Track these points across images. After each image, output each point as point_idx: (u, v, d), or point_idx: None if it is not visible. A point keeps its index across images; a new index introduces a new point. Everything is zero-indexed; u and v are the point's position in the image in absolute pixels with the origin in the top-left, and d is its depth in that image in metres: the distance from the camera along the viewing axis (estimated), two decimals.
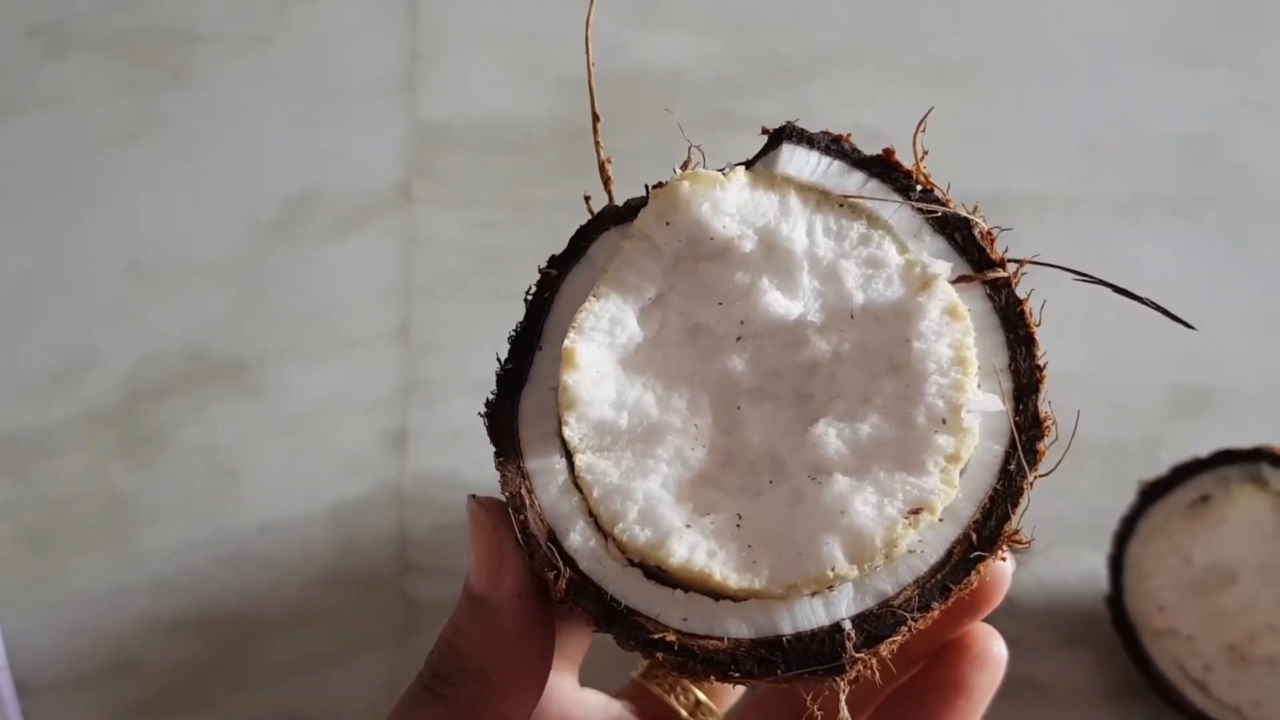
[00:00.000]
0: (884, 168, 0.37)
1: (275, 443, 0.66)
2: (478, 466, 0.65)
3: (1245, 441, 0.58)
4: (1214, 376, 0.66)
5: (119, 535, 0.64)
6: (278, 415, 0.66)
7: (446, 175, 0.69)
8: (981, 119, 0.69)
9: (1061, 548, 0.60)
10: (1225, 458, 0.58)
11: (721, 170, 0.37)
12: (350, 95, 0.70)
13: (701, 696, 0.49)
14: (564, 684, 0.47)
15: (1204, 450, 0.58)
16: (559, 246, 0.38)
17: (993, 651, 0.42)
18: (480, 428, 0.65)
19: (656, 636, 0.34)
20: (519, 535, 0.35)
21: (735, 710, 0.52)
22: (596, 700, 0.48)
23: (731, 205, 0.36)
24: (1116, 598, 0.59)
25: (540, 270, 0.38)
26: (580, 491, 0.36)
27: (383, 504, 0.65)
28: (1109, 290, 0.35)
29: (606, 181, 0.39)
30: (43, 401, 0.66)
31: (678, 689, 0.49)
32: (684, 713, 0.49)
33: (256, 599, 0.64)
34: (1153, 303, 0.35)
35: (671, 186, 0.36)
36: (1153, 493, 0.59)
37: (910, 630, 0.34)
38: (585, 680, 0.50)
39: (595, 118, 0.39)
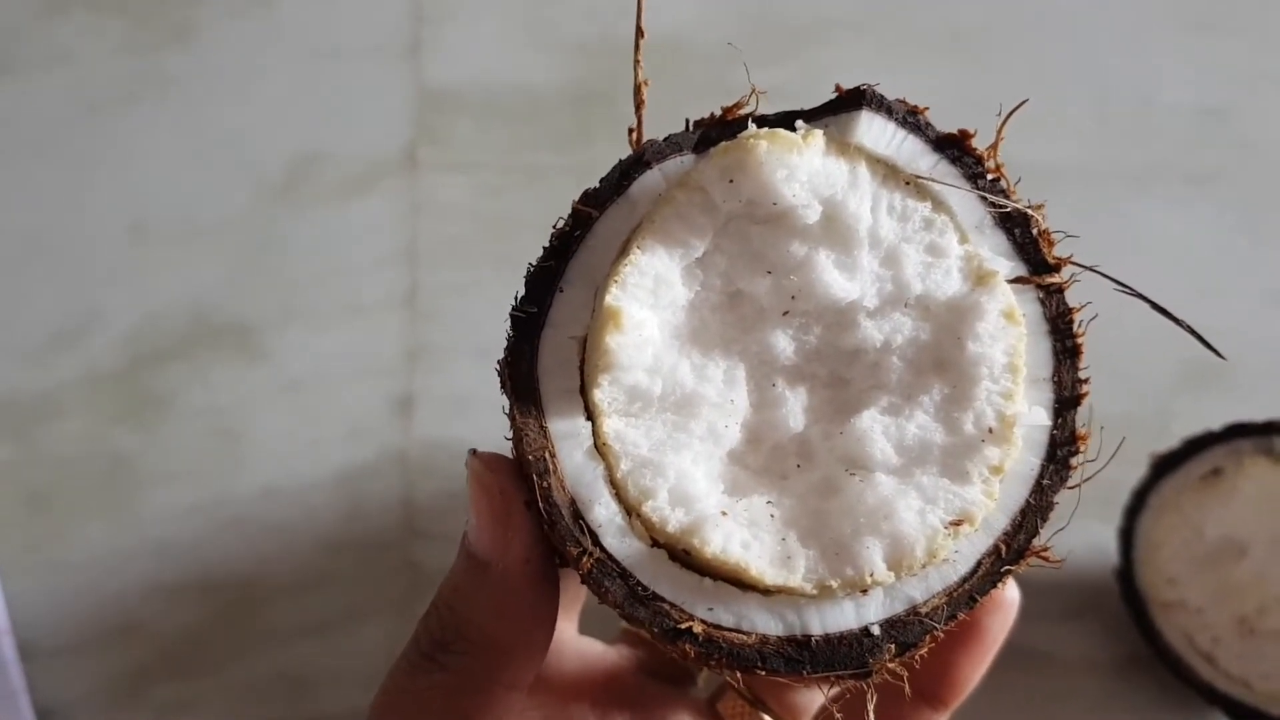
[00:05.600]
0: (957, 150, 0.35)
1: (279, 407, 0.65)
2: (483, 432, 0.64)
3: (1255, 415, 0.58)
4: (1224, 350, 0.65)
5: (121, 498, 0.64)
6: (281, 379, 0.65)
7: (452, 140, 0.68)
8: (992, 87, 0.68)
9: (1070, 520, 0.60)
10: (1238, 431, 0.57)
11: (793, 127, 0.34)
12: (355, 57, 0.69)
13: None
14: (563, 634, 0.46)
15: (1214, 424, 0.58)
16: (566, 212, 0.36)
17: (1005, 594, 0.42)
18: (485, 394, 0.65)
19: (683, 626, 0.32)
20: (541, 503, 0.33)
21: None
22: (594, 648, 0.47)
23: (805, 173, 0.33)
24: (1126, 570, 0.59)
25: (574, 205, 0.35)
26: (604, 459, 0.34)
27: (388, 469, 0.64)
28: (1122, 264, 0.35)
29: (639, 106, 0.36)
30: (44, 363, 0.65)
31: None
32: (679, 657, 0.48)
33: (260, 563, 0.63)
34: (1188, 326, 0.34)
35: (745, 144, 0.33)
36: (1164, 465, 0.58)
37: (934, 639, 0.33)
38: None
39: (639, 33, 0.35)
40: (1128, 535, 0.59)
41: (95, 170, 0.68)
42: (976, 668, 0.43)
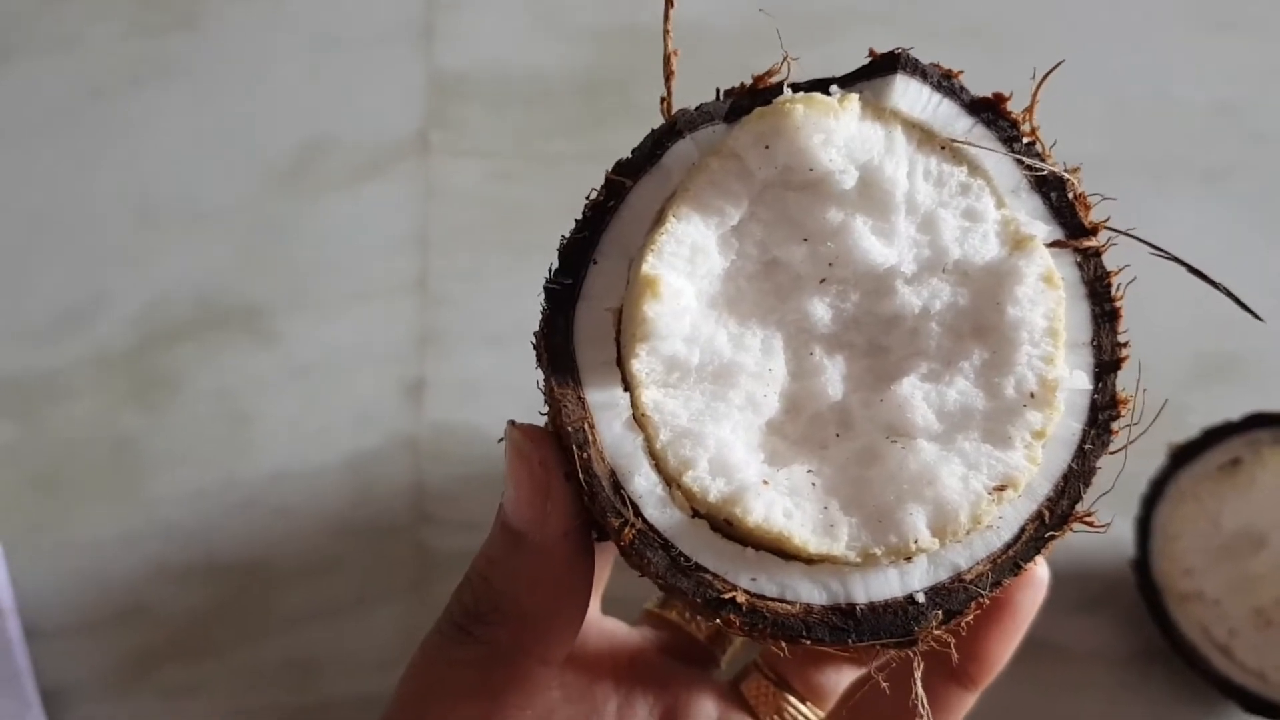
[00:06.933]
0: (992, 113, 0.35)
1: (288, 391, 0.64)
2: (495, 417, 0.64)
3: (1273, 407, 0.58)
4: (1239, 343, 0.65)
5: (129, 480, 0.63)
6: (291, 364, 0.65)
7: (464, 125, 0.68)
8: (1008, 81, 0.68)
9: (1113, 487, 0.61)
10: (1257, 421, 0.57)
11: (827, 91, 0.34)
12: (367, 41, 0.68)
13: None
14: (588, 614, 0.46)
15: (1231, 415, 0.58)
16: (578, 199, 0.35)
17: (1035, 572, 0.42)
18: (495, 379, 0.65)
19: (726, 596, 0.32)
20: (581, 474, 0.33)
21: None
22: (618, 629, 0.47)
23: (842, 138, 0.33)
24: (1142, 561, 0.58)
25: (608, 175, 0.35)
26: (643, 430, 0.33)
27: (398, 454, 0.64)
28: (1136, 258, 0.35)
29: (669, 75, 0.35)
30: (51, 344, 0.65)
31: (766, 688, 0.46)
32: (702, 639, 0.48)
33: (268, 547, 0.63)
34: (1225, 289, 0.34)
35: (781, 109, 0.33)
36: (1182, 456, 0.58)
37: (980, 606, 0.33)
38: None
39: (669, 2, 0.35)
40: (1144, 526, 0.58)
41: (102, 153, 0.67)
42: (1007, 645, 0.43)
